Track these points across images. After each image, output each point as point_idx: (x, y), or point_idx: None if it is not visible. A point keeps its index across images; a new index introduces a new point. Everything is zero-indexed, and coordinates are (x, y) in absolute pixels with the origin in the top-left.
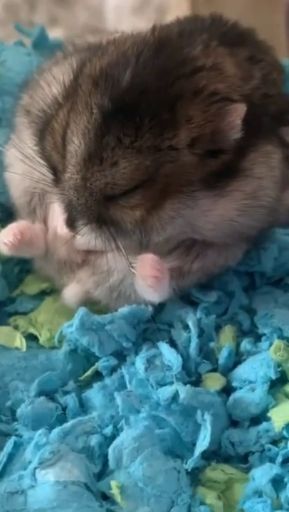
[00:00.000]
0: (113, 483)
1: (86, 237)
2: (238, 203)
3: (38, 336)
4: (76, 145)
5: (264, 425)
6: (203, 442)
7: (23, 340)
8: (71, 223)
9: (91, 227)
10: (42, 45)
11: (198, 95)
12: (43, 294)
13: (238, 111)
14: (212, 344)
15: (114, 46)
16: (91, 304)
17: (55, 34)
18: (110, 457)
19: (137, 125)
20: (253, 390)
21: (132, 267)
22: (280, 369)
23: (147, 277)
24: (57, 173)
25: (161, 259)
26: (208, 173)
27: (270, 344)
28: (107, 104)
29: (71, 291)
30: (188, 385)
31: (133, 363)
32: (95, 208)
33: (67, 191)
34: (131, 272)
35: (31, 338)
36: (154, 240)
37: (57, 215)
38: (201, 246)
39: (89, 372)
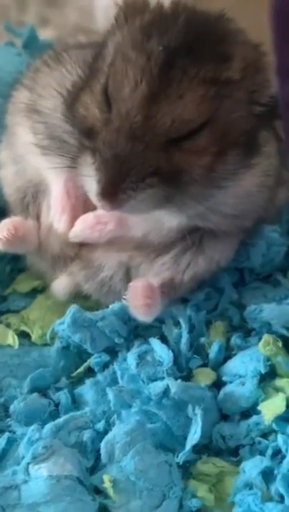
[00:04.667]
0: (105, 477)
1: (131, 204)
2: (258, 178)
3: (31, 334)
4: (131, 88)
5: (254, 419)
6: (194, 436)
7: (16, 337)
8: (115, 185)
9: (143, 187)
10: (32, 45)
11: (244, 43)
12: (34, 292)
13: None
14: (203, 339)
15: (146, 13)
16: (82, 299)
17: (45, 34)
18: (102, 452)
19: (198, 58)
20: (243, 384)
21: (124, 298)
22: (269, 363)
23: (139, 307)
24: (93, 133)
25: (153, 271)
26: (249, 132)
27: (260, 339)
28: (166, 43)
29: (61, 283)
30: (179, 380)
31: (125, 359)
32: (155, 156)
33: (117, 142)
34: (121, 268)
35: (24, 335)
36: (209, 198)
37: (53, 211)
38: (192, 253)
39: (81, 369)
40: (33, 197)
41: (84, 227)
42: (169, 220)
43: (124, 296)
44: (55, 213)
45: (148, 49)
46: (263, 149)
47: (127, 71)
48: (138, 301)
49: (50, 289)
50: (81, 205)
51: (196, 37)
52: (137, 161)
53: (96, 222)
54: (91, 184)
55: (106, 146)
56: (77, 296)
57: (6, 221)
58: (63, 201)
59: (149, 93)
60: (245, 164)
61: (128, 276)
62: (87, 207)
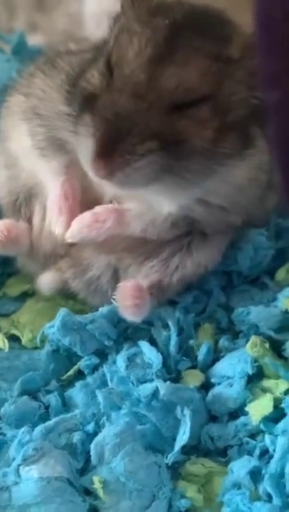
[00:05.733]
0: (95, 479)
1: (126, 172)
2: (250, 171)
3: (21, 337)
4: (135, 52)
5: (242, 419)
6: (183, 437)
7: (6, 341)
8: (113, 144)
9: (142, 151)
10: (21, 51)
11: (242, 31)
12: (25, 296)
13: None
14: (191, 342)
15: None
16: (71, 302)
17: (34, 40)
18: (92, 453)
19: (202, 34)
20: (231, 386)
21: (113, 299)
22: (256, 364)
23: (128, 307)
24: (92, 98)
25: (141, 274)
26: (246, 119)
27: (247, 341)
28: (172, 18)
29: (47, 278)
30: (168, 382)
31: (114, 362)
32: (157, 119)
33: (118, 100)
34: (109, 269)
35: (14, 339)
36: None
37: (50, 213)
38: (180, 257)
39: (71, 372)
40: (26, 200)
41: (81, 226)
42: (160, 210)
43: (113, 296)
44: (52, 215)
45: (153, 23)
46: (256, 143)
47: (131, 40)
48: (127, 301)
49: (40, 293)
50: (78, 207)
51: (200, 18)
52: (138, 120)
53: (94, 221)
54: (86, 149)
55: (106, 104)
56: (63, 293)
57: None
58: (60, 203)
59: (154, 56)
60: (240, 152)
61: (116, 278)
62: (84, 209)
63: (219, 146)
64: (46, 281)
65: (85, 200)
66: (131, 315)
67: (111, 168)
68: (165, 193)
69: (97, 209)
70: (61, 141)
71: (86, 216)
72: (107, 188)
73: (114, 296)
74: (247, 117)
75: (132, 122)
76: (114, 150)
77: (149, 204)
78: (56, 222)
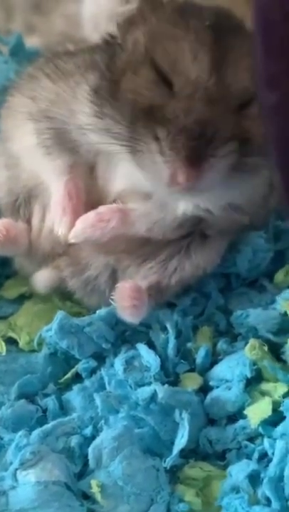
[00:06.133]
0: (93, 483)
1: (210, 177)
2: (267, 171)
3: (18, 340)
4: (191, 57)
5: (240, 423)
6: (181, 440)
7: (3, 344)
8: (201, 151)
9: (224, 153)
10: (19, 53)
11: None
12: (22, 298)
13: None
14: (189, 345)
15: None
16: (69, 304)
17: (31, 42)
18: (90, 457)
19: (237, 34)
20: (230, 389)
21: (111, 299)
22: (255, 367)
23: (126, 308)
24: (152, 112)
25: (140, 275)
26: None
27: (246, 343)
28: (208, 20)
29: (43, 275)
30: (166, 385)
31: (112, 365)
32: (232, 120)
33: (194, 107)
34: (107, 270)
35: (11, 341)
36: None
37: (53, 213)
38: (179, 259)
39: (69, 375)
40: (25, 200)
41: (85, 226)
42: (172, 211)
43: (111, 297)
44: (55, 215)
45: (190, 26)
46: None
47: (178, 44)
48: (125, 301)
49: (37, 295)
50: (83, 207)
51: (227, 18)
52: (218, 125)
53: (98, 220)
54: (157, 167)
55: (181, 114)
56: (59, 292)
57: None
58: (64, 202)
59: (212, 60)
60: (266, 159)
61: (113, 278)
62: (87, 209)
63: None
64: (43, 278)
65: (88, 200)
66: (129, 316)
67: (199, 177)
68: (215, 191)
69: (101, 209)
70: (70, 143)
71: (90, 216)
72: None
73: (112, 297)
74: None
75: (213, 127)
76: (203, 155)
77: (158, 204)
78: (60, 222)
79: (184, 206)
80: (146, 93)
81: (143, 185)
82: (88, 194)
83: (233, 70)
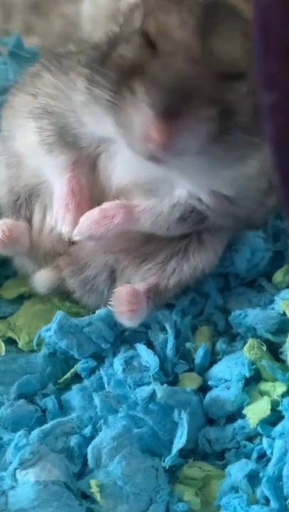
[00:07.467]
0: (93, 482)
1: (184, 138)
2: (260, 162)
3: (17, 340)
4: (179, 24)
5: (239, 422)
6: (180, 440)
7: (2, 344)
8: (176, 105)
9: (200, 117)
10: (18, 53)
11: None
12: (21, 299)
13: None
14: (188, 344)
15: None
16: (68, 304)
17: (30, 43)
18: (89, 457)
19: (235, 16)
20: (229, 389)
21: (109, 304)
22: (254, 367)
23: (124, 313)
24: (136, 70)
25: (138, 277)
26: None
27: (245, 343)
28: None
29: (43, 275)
30: (165, 385)
31: (111, 365)
32: (214, 85)
33: (175, 64)
34: (106, 270)
35: (10, 342)
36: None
37: (56, 210)
38: (177, 260)
39: (68, 375)
40: (26, 199)
41: (89, 222)
42: (168, 200)
43: (109, 302)
44: (58, 212)
45: (186, 3)
46: (261, 138)
47: (170, 15)
48: (123, 306)
49: (37, 295)
50: (86, 204)
51: (225, 3)
52: (197, 84)
53: (102, 217)
54: (137, 118)
55: (161, 69)
56: (58, 292)
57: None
58: (67, 199)
59: (200, 26)
60: (254, 140)
61: (112, 278)
62: (90, 207)
63: (254, 127)
64: (42, 278)
65: (90, 196)
66: (127, 320)
67: (172, 133)
68: (200, 171)
69: (105, 205)
70: (72, 138)
71: (94, 212)
72: (142, 167)
73: (110, 302)
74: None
75: (191, 85)
76: (177, 110)
77: (157, 195)
78: (63, 219)
79: (178, 192)
80: (131, 56)
81: (144, 179)
82: (90, 191)
83: (221, 40)
